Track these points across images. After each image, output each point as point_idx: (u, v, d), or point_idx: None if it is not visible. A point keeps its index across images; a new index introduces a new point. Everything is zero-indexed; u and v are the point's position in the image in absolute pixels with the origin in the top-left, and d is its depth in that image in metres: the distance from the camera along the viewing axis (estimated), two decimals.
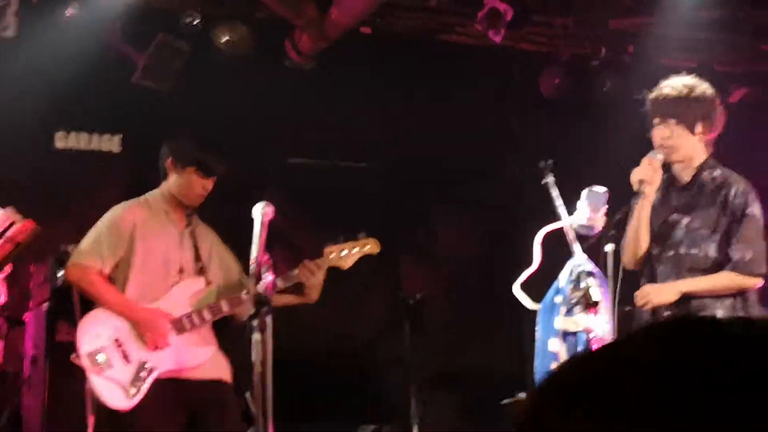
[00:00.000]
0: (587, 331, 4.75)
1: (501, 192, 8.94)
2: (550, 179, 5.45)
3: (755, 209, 5.35)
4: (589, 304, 4.76)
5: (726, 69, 9.08)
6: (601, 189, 5.21)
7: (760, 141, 9.08)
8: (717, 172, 5.44)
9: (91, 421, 6.06)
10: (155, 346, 6.04)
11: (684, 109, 5.35)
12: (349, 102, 8.57)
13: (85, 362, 5.94)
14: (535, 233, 5.47)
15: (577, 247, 5.04)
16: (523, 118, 9.13)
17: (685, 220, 5.34)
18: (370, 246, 6.44)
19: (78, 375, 6.07)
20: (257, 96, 8.30)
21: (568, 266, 4.97)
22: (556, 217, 5.41)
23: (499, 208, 8.91)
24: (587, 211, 5.12)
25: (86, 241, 6.21)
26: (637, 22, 8.49)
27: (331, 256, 6.28)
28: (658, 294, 5.17)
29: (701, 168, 5.43)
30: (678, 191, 5.43)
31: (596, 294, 4.77)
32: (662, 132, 5.35)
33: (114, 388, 5.95)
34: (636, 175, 5.26)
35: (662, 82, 5.50)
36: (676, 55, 8.78)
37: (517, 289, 5.23)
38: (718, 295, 5.22)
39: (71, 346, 6.20)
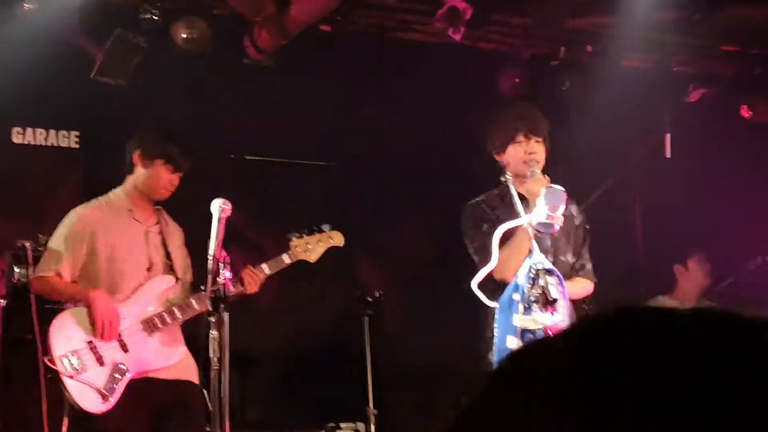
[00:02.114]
0: (545, 329, 4.77)
1: (459, 190, 8.93)
2: (508, 177, 5.49)
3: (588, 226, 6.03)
4: (547, 302, 4.78)
5: (684, 69, 9.14)
6: (559, 187, 5.23)
7: (716, 141, 9.14)
8: None
9: (65, 423, 6.00)
10: (102, 335, 5.96)
11: (545, 131, 5.89)
12: (307, 99, 8.55)
13: (58, 365, 5.88)
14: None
15: (535, 246, 5.05)
16: (482, 117, 9.13)
17: None
18: (335, 238, 6.46)
19: (34, 373, 6.02)
20: (215, 92, 8.27)
21: (527, 264, 4.98)
22: (514, 215, 5.46)
23: (457, 207, 8.90)
24: (545, 209, 5.14)
25: (46, 253, 6.19)
26: (596, 22, 8.52)
27: (298, 249, 6.29)
28: None
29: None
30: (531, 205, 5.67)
31: (554, 292, 4.79)
32: (533, 147, 5.80)
33: (89, 391, 5.88)
34: (539, 185, 5.43)
35: (516, 104, 6.31)
36: (634, 55, 8.83)
37: (475, 287, 5.24)
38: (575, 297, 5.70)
39: (27, 344, 6.15)
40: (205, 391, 5.86)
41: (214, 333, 5.13)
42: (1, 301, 6.54)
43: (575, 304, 5.44)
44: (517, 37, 8.66)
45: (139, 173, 6.29)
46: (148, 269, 6.24)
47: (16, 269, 6.51)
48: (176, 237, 6.47)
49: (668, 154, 8.58)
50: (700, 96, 9.17)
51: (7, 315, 6.49)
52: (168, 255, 6.35)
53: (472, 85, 8.93)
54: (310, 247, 6.37)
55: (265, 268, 6.23)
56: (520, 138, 5.80)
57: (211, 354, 5.12)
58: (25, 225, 7.03)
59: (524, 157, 5.73)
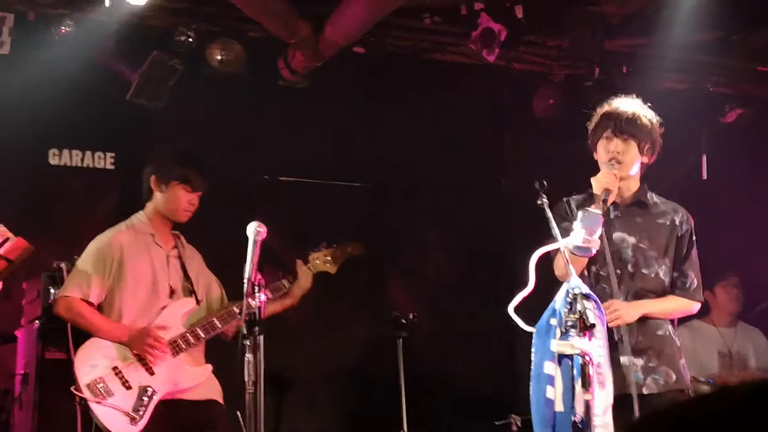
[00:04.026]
0: (583, 355, 4.72)
1: (493, 212, 8.92)
2: (544, 201, 5.43)
3: (695, 237, 5.67)
4: (585, 328, 4.72)
5: (720, 90, 9.09)
6: (596, 211, 5.18)
7: (753, 161, 9.08)
8: (656, 197, 5.71)
9: None
10: (154, 362, 6.04)
11: (637, 129, 5.56)
12: (341, 121, 8.56)
13: (86, 393, 5.93)
14: (527, 254, 5.42)
15: (572, 270, 5.00)
16: (516, 138, 9.12)
17: (632, 240, 5.53)
18: (352, 248, 6.73)
19: (68, 395, 6.04)
20: (250, 114, 8.29)
21: (564, 288, 4.93)
22: (550, 238, 5.40)
23: (491, 229, 8.89)
24: (582, 232, 5.09)
25: (72, 273, 6.24)
26: (632, 44, 8.48)
27: (317, 262, 6.46)
28: (627, 313, 5.38)
29: (641, 189, 5.65)
30: (617, 209, 5.58)
31: (591, 317, 4.74)
32: (616, 145, 5.53)
33: (118, 416, 5.95)
34: (601, 183, 5.33)
35: (613, 99, 5.74)
36: (670, 76, 8.78)
37: (512, 312, 5.19)
38: (665, 317, 5.52)
39: (62, 364, 6.18)
40: (239, 414, 5.86)
41: (249, 356, 5.13)
42: (37, 321, 6.56)
43: (611, 331, 5.34)
44: (551, 58, 8.64)
45: (158, 198, 6.41)
46: (171, 293, 6.32)
47: (52, 290, 6.54)
48: (194, 261, 6.56)
49: (705, 176, 8.53)
50: (737, 117, 9.11)
51: (42, 335, 6.51)
52: (188, 279, 6.42)
53: (506, 107, 8.92)
54: (329, 260, 6.59)
55: (286, 283, 6.45)
56: (608, 134, 5.58)
57: (246, 377, 5.12)
58: (60, 246, 7.06)
59: (607, 155, 5.55)
